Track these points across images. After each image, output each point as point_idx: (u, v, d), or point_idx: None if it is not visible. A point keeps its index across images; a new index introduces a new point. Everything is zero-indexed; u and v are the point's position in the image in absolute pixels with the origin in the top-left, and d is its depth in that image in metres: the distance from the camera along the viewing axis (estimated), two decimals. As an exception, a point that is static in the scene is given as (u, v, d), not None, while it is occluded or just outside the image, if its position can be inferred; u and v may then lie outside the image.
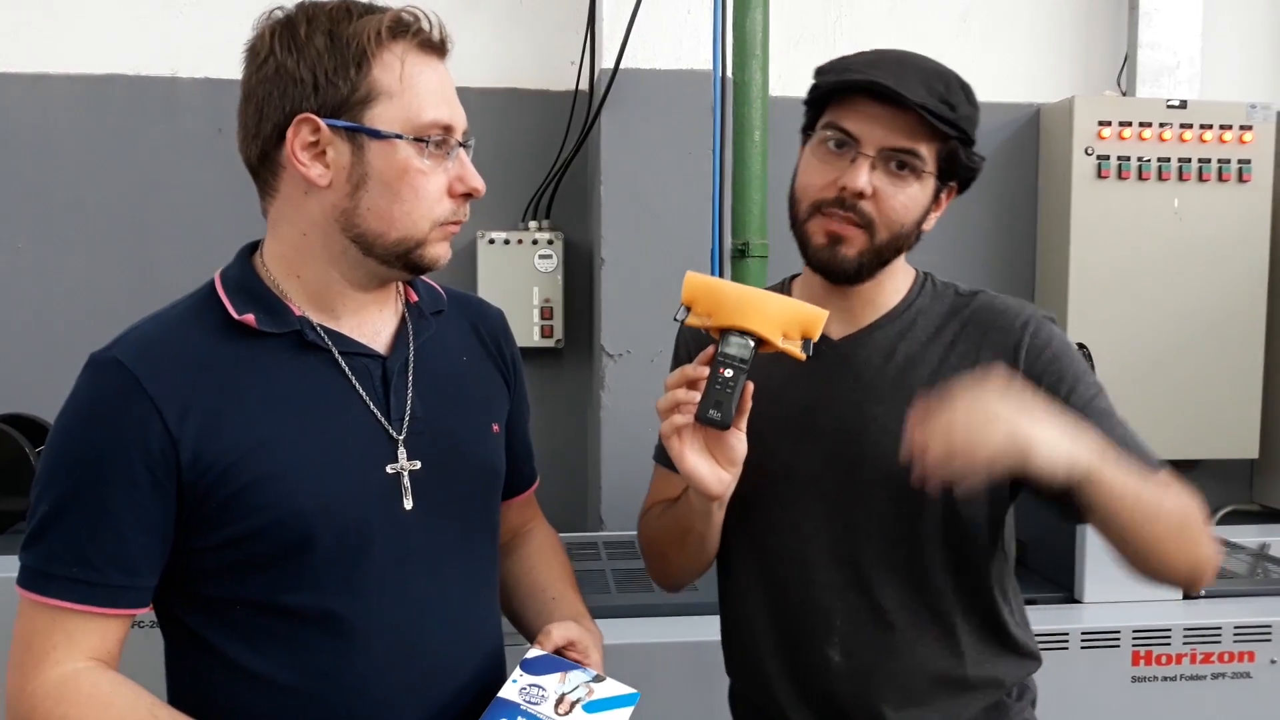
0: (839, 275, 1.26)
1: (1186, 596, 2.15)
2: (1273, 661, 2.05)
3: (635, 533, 1.46)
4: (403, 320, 1.21)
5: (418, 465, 1.15)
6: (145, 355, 1.07)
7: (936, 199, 1.28)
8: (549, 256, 2.96)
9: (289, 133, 1.06)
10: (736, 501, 1.25)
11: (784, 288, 1.41)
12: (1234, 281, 3.09)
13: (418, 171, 1.07)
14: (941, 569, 1.30)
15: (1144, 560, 1.20)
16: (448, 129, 1.09)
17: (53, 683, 1.04)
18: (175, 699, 1.14)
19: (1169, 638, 2.04)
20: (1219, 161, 3.05)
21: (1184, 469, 1.29)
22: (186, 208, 2.90)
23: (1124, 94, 3.24)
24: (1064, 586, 2.16)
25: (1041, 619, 2.00)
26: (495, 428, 1.27)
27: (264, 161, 1.10)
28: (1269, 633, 2.06)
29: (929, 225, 1.29)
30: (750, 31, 2.74)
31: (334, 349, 1.13)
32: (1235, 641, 2.05)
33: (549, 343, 2.99)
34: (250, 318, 1.10)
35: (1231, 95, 3.24)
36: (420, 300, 1.23)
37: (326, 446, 1.10)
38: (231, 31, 1.11)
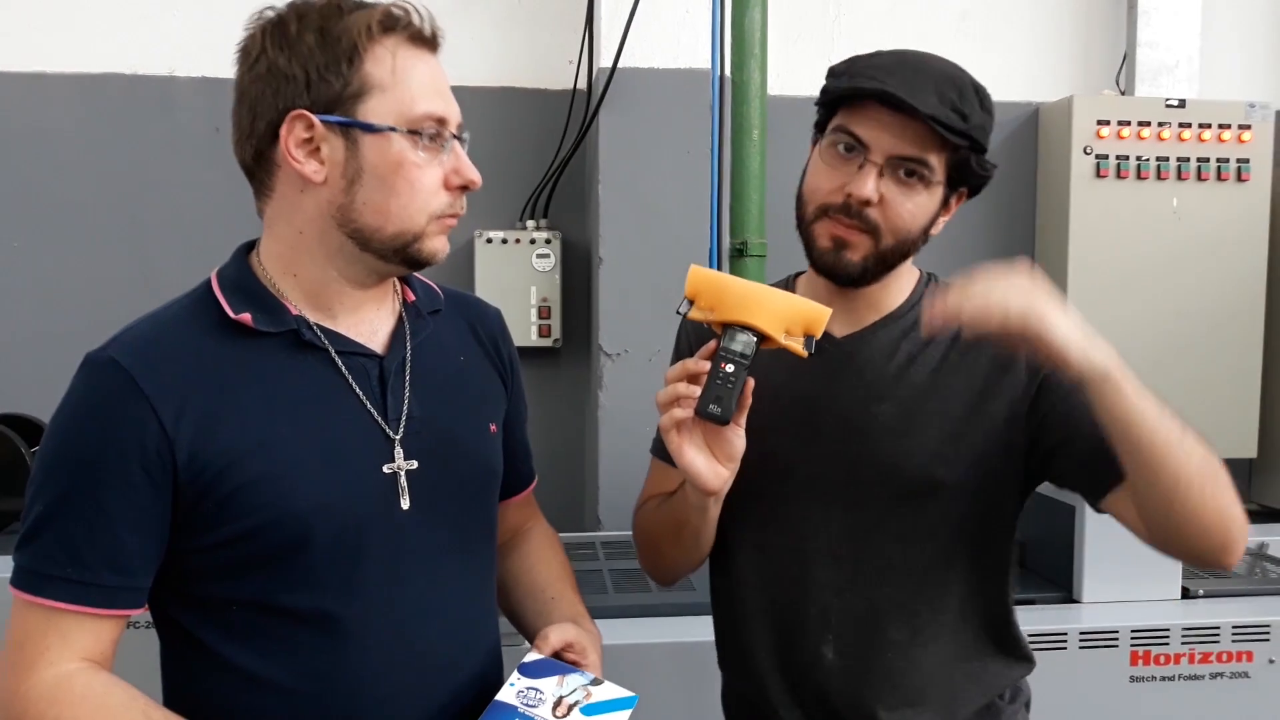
0: (842, 280, 1.26)
1: (1186, 596, 2.15)
2: (1271, 661, 2.05)
3: (632, 532, 1.45)
4: (400, 320, 1.20)
5: (415, 465, 1.15)
6: (141, 355, 1.06)
7: (946, 204, 1.27)
8: (547, 256, 2.96)
9: (282, 130, 1.06)
10: (734, 497, 1.24)
11: (788, 284, 1.41)
12: (1232, 281, 3.09)
13: (412, 164, 1.07)
14: (941, 570, 1.30)
15: (1170, 508, 1.13)
16: (441, 121, 1.09)
17: (46, 684, 1.03)
18: (170, 700, 1.13)
19: (1167, 638, 2.04)
20: (1218, 161, 3.05)
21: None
22: (183, 207, 2.90)
23: (1123, 93, 3.24)
24: (1062, 586, 2.16)
25: (1040, 619, 2.01)
26: (493, 427, 1.27)
27: (259, 161, 1.10)
28: (1267, 632, 2.05)
29: (937, 230, 1.28)
30: (749, 30, 2.74)
31: (331, 348, 1.13)
32: (1233, 641, 2.05)
33: (547, 342, 2.99)
34: (247, 317, 1.10)
35: (1230, 94, 3.24)
36: (418, 300, 1.23)
37: (323, 446, 1.10)
38: (229, 31, 1.11)
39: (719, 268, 2.77)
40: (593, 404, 2.86)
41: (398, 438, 1.14)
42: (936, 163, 1.21)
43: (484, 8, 2.98)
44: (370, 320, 1.18)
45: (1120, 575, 2.11)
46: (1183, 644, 2.04)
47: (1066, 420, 1.23)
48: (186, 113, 2.90)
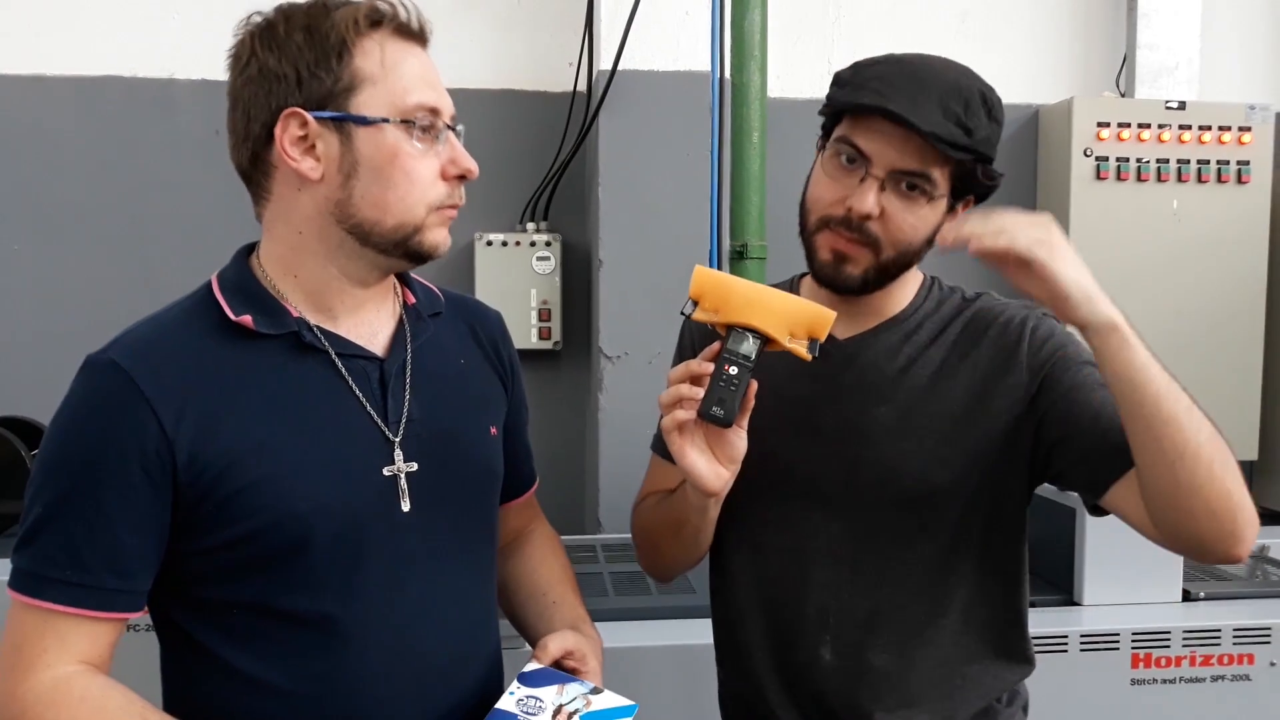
0: (842, 291, 1.26)
1: (1187, 598, 2.15)
2: (1272, 664, 2.05)
3: (630, 528, 1.45)
4: (400, 322, 1.20)
5: (414, 467, 1.15)
6: (141, 357, 1.06)
7: (952, 211, 1.26)
8: (547, 258, 2.96)
9: (277, 129, 1.06)
10: (733, 496, 1.24)
11: (792, 285, 1.40)
12: (1233, 283, 3.09)
13: (408, 155, 1.07)
14: (941, 572, 1.29)
15: (1175, 484, 1.09)
16: (434, 111, 1.09)
17: (43, 687, 1.03)
18: (171, 703, 1.13)
19: (1168, 640, 2.03)
20: (1218, 163, 3.05)
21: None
22: (183, 209, 2.90)
23: (1123, 95, 3.24)
24: (1063, 589, 2.15)
25: (1041, 621, 2.00)
26: (493, 430, 1.27)
27: (255, 164, 1.10)
28: (1268, 635, 2.05)
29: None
30: (748, 32, 2.74)
31: (331, 350, 1.13)
32: (1235, 644, 2.04)
33: (547, 345, 2.99)
34: (247, 319, 1.10)
35: (1230, 96, 3.24)
36: (418, 302, 1.23)
37: (323, 449, 1.10)
38: (228, 34, 1.12)
39: (720, 270, 2.76)
40: (593, 406, 2.86)
41: (397, 440, 1.14)
42: (939, 176, 1.20)
43: (484, 10, 2.98)
44: (371, 322, 1.17)
45: (1121, 578, 2.11)
46: (1184, 647, 2.04)
47: (1066, 417, 1.22)
48: (186, 115, 2.90)
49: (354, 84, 1.06)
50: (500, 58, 3.00)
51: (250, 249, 1.17)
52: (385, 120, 1.06)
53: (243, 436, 1.06)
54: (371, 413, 1.13)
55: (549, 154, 2.96)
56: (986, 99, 1.20)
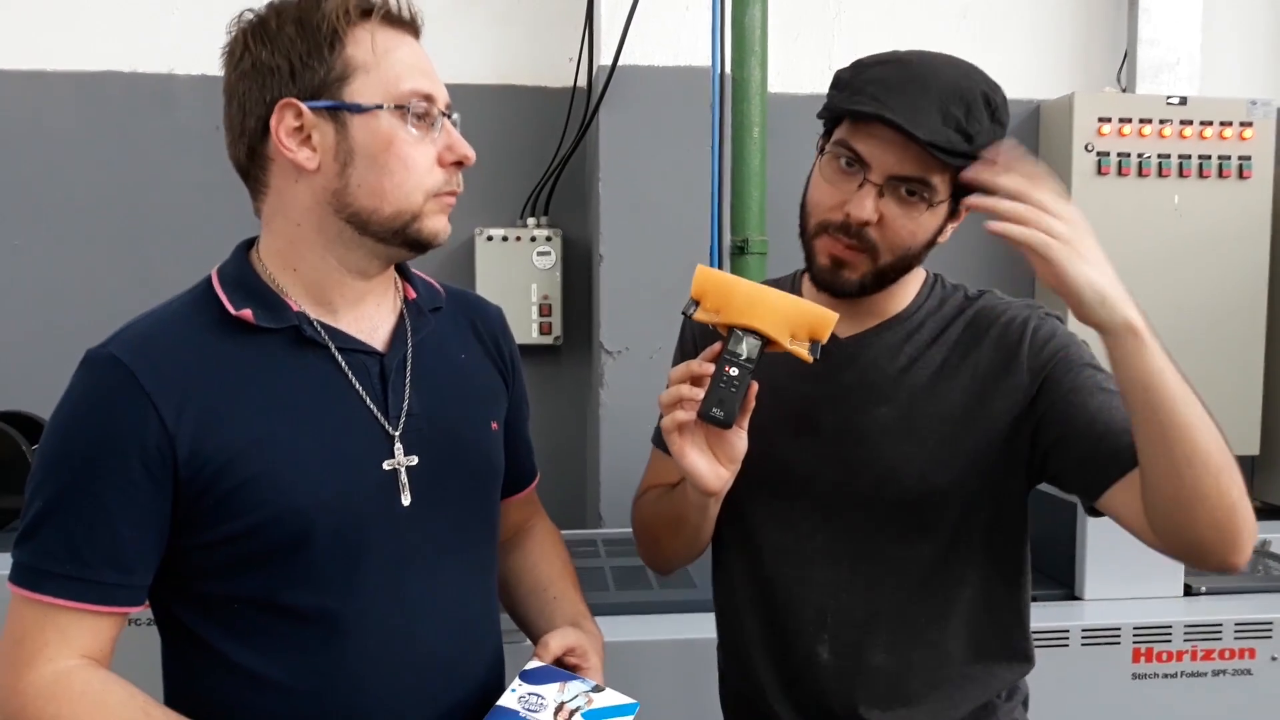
0: (840, 295, 1.25)
1: (1188, 593, 2.15)
2: (1274, 658, 2.05)
3: (631, 521, 1.45)
4: (401, 317, 1.20)
5: (415, 461, 1.14)
6: (142, 351, 1.06)
7: (955, 213, 1.24)
8: (547, 253, 2.96)
9: (272, 121, 1.06)
10: (733, 493, 1.24)
11: (794, 280, 1.40)
12: (1234, 278, 3.09)
13: (403, 141, 1.08)
14: (941, 573, 1.29)
15: (1179, 491, 1.07)
16: (429, 98, 1.09)
17: (44, 681, 1.03)
18: (172, 698, 1.13)
19: (1170, 635, 2.03)
20: (1219, 158, 3.04)
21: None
22: (183, 205, 2.90)
23: (1124, 90, 3.23)
24: (1064, 584, 2.15)
25: (1042, 616, 2.00)
26: (494, 425, 1.27)
27: (252, 158, 1.10)
28: (1270, 630, 2.05)
29: (945, 238, 1.26)
30: (749, 27, 2.73)
31: (331, 345, 1.12)
32: (1236, 639, 2.04)
33: (547, 340, 2.99)
34: (248, 313, 1.09)
35: (1231, 92, 3.24)
36: (418, 297, 1.23)
37: (324, 443, 1.10)
38: (228, 29, 1.12)
39: (720, 265, 2.76)
40: (594, 401, 2.86)
41: (397, 434, 1.14)
42: (939, 182, 1.19)
43: (484, 5, 2.98)
44: (371, 317, 1.17)
45: (1122, 572, 2.10)
46: (1185, 641, 2.03)
47: (1064, 420, 1.21)
48: (186, 111, 2.90)
49: (347, 73, 1.06)
50: (500, 53, 2.99)
51: (250, 244, 1.17)
52: (379, 107, 1.07)
53: (243, 431, 1.06)
54: (372, 407, 1.13)
55: (549, 149, 2.96)
56: (990, 100, 1.18)
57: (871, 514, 1.28)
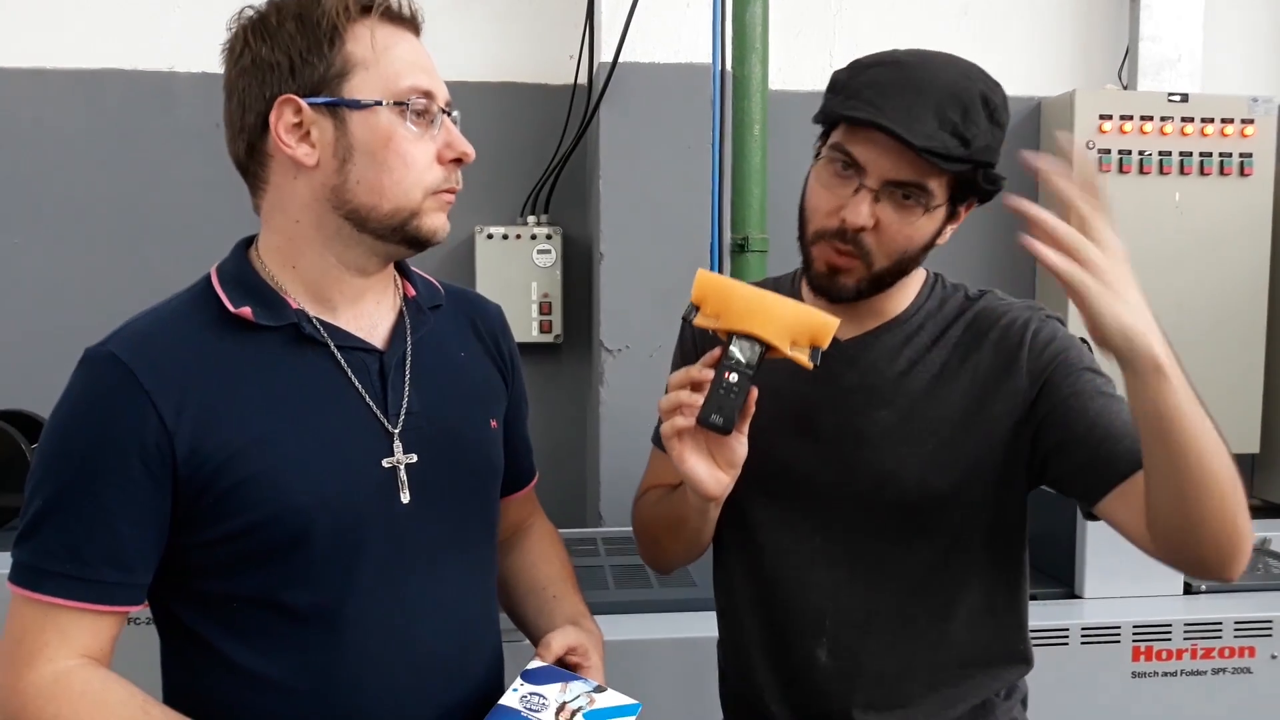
0: (837, 300, 1.25)
1: (1188, 591, 2.15)
2: (1274, 657, 2.05)
3: (631, 521, 1.45)
4: (400, 315, 1.20)
5: (414, 459, 1.14)
6: (141, 349, 1.06)
7: (954, 215, 1.24)
8: (548, 251, 2.95)
9: (271, 117, 1.06)
10: (732, 495, 1.23)
11: (794, 280, 1.39)
12: (1235, 275, 3.09)
13: (402, 138, 1.07)
14: (940, 576, 1.28)
15: (1184, 513, 1.07)
16: (428, 95, 1.09)
17: (44, 680, 1.03)
18: (171, 696, 1.13)
19: (1169, 633, 2.03)
20: (1220, 155, 3.04)
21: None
22: (183, 203, 2.90)
23: (1125, 88, 3.23)
24: (1064, 582, 2.15)
25: (1042, 614, 2.00)
26: (493, 423, 1.26)
27: (251, 155, 1.10)
28: (1270, 628, 2.05)
29: (944, 239, 1.25)
30: (750, 24, 2.73)
31: (331, 343, 1.12)
32: (1236, 637, 2.04)
33: (548, 338, 2.99)
34: (247, 311, 1.09)
35: (1232, 89, 3.23)
36: (418, 295, 1.23)
37: (323, 441, 1.10)
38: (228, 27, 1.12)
39: (720, 263, 2.76)
40: (594, 400, 2.86)
41: (396, 431, 1.14)
42: (936, 186, 1.18)
43: (484, 2, 2.98)
44: (370, 315, 1.17)
45: (1122, 571, 2.10)
46: (1185, 640, 2.03)
47: (1064, 424, 1.21)
48: (186, 108, 2.90)
49: (346, 69, 1.06)
50: (501, 51, 2.99)
51: (249, 241, 1.17)
52: (378, 103, 1.06)
53: (243, 429, 1.06)
54: (371, 405, 1.13)
55: (550, 147, 2.96)
56: (988, 101, 1.17)
57: (871, 516, 1.27)
